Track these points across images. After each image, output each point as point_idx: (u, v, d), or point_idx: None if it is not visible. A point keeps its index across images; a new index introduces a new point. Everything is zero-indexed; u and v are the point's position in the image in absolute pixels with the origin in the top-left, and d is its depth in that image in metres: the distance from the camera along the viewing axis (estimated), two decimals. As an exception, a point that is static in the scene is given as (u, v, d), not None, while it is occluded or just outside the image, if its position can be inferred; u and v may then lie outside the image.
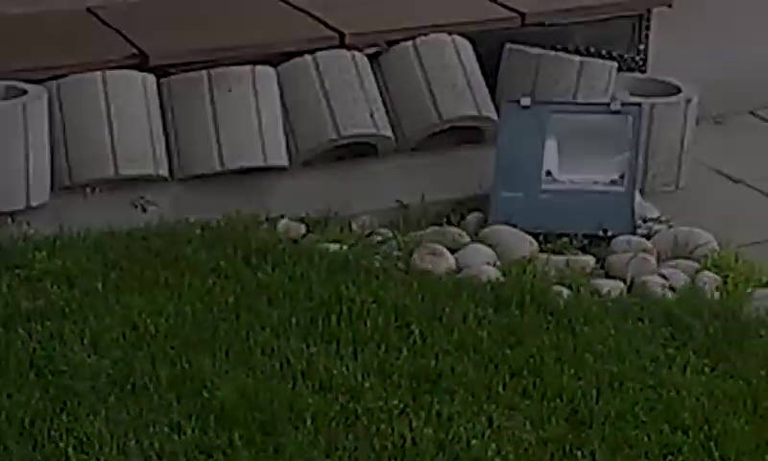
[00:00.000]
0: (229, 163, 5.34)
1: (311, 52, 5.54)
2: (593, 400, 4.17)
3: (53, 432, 3.87)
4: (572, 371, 4.30)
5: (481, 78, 5.74)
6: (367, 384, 4.18)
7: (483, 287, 4.79)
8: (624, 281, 4.95)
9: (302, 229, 5.19)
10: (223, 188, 5.34)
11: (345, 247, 5.03)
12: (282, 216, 5.23)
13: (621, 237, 5.18)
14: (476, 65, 5.76)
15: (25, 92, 5.10)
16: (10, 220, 5.04)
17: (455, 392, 4.18)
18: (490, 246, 5.11)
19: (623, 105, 5.43)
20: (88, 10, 5.84)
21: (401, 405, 4.10)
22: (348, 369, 4.25)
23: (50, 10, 6.13)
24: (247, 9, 6.04)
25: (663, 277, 4.99)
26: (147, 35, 5.55)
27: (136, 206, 5.24)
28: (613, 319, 4.63)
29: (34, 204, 5.08)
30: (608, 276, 5.02)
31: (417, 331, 4.46)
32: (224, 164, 5.33)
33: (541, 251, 5.12)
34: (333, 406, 4.08)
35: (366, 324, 4.48)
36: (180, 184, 5.36)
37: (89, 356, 4.23)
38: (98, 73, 5.25)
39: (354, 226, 5.25)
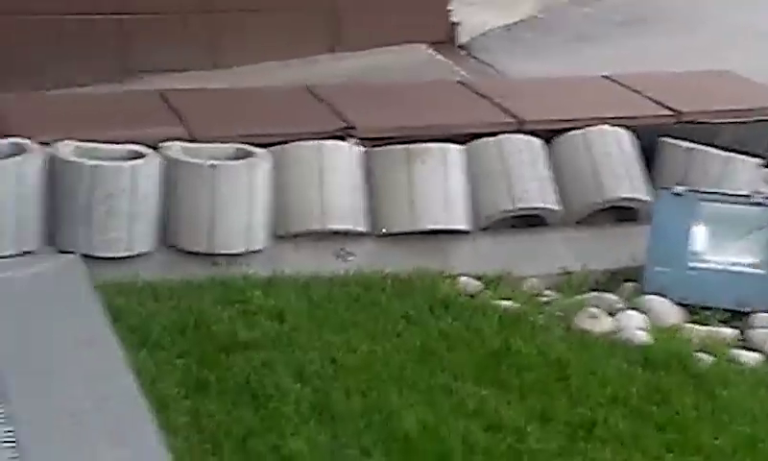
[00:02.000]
0: (419, 224, 5.30)
1: (494, 134, 5.51)
2: (729, 458, 4.04)
3: (262, 448, 3.85)
4: (710, 429, 4.18)
5: (639, 165, 5.64)
6: (530, 427, 4.09)
7: (634, 349, 4.68)
8: (762, 353, 4.79)
9: (479, 286, 5.12)
10: (412, 246, 5.30)
11: (515, 304, 4.95)
12: (463, 274, 5.17)
13: (761, 314, 5.02)
14: (635, 154, 5.66)
15: (252, 154, 5.13)
16: (233, 261, 5.06)
17: (607, 441, 4.07)
18: (642, 313, 5.00)
19: (766, 198, 5.28)
20: (307, 88, 5.89)
21: (560, 449, 4.00)
22: (514, 412, 4.18)
23: (272, 86, 6.24)
24: (439, 94, 6.07)
25: (801, 351, 4.80)
26: (356, 111, 5.56)
27: (338, 257, 5.22)
28: (749, 385, 4.48)
29: (253, 249, 5.09)
30: (747, 348, 4.85)
31: (575, 383, 4.36)
32: (414, 225, 5.30)
33: (688, 321, 4.99)
34: (501, 444, 4.00)
35: (531, 373, 4.41)
36: (377, 240, 5.32)
37: (294, 384, 4.21)
38: (314, 142, 5.27)
39: (524, 286, 5.17)
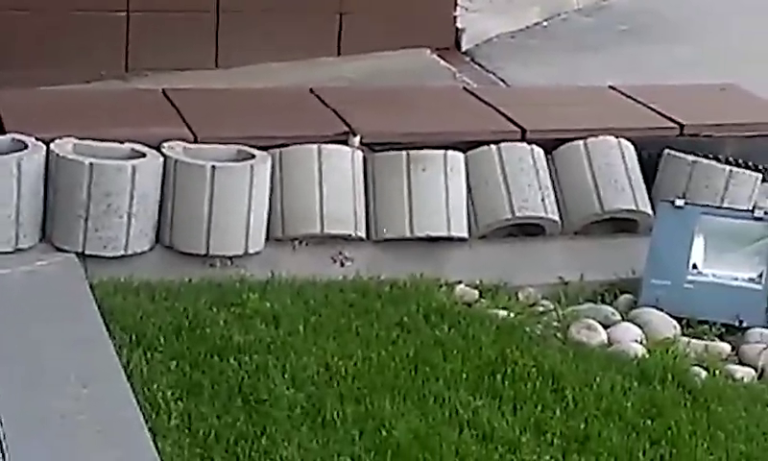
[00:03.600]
0: (418, 231, 5.26)
1: (496, 142, 5.46)
2: (723, 475, 4.01)
3: (253, 453, 3.82)
4: (705, 445, 4.13)
5: (640, 176, 5.59)
6: (524, 439, 4.06)
7: (630, 362, 4.63)
8: (755, 369, 4.76)
9: (476, 294, 5.08)
10: (410, 252, 5.26)
11: (511, 314, 4.91)
12: (459, 282, 5.13)
13: (755, 329, 4.99)
14: (637, 166, 5.61)
15: (253, 156, 5.09)
16: (229, 263, 5.03)
17: (600, 454, 4.03)
18: (638, 325, 4.95)
19: (765, 213, 5.25)
20: (311, 90, 5.85)
21: (553, 461, 3.99)
22: (507, 423, 4.14)
23: (275, 87, 6.21)
24: (442, 100, 6.04)
25: (792, 368, 4.75)
26: (358, 115, 5.51)
27: (335, 261, 5.18)
28: (744, 402, 4.45)
29: (251, 251, 5.05)
30: (741, 362, 4.82)
31: (570, 396, 4.32)
32: (413, 232, 5.26)
33: (683, 334, 4.94)
34: (493, 455, 3.96)
35: (526, 385, 4.36)
36: (375, 245, 5.28)
37: (287, 389, 4.17)
38: (314, 146, 5.22)
39: (521, 296, 5.13)
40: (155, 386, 4.08)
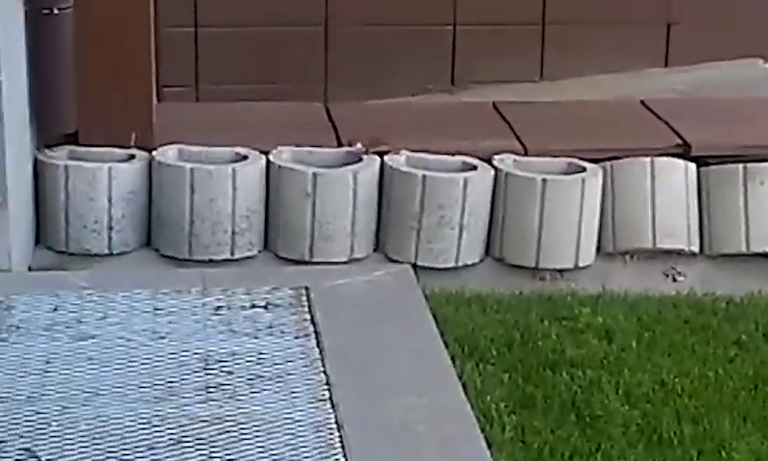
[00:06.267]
0: (755, 247, 5.13)
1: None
2: None
3: (588, 469, 3.82)
4: None
5: None
6: None
7: None
8: None
9: (820, 313, 4.90)
10: (747, 269, 5.13)
11: None
12: (801, 300, 4.96)
13: None
14: None
15: (584, 169, 5.07)
16: (559, 276, 5.02)
17: None
18: None
19: None
20: (641, 102, 5.77)
21: None
22: None
23: (603, 100, 6.15)
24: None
25: None
26: (691, 128, 5.41)
27: (668, 276, 5.10)
28: None
29: (581, 264, 5.04)
30: None
31: None
32: (749, 247, 5.13)
33: None
34: (842, 484, 3.82)
35: None
36: (708, 260, 5.18)
37: (622, 406, 4.14)
38: (647, 159, 5.16)
39: None
40: (488, 398, 4.12)
